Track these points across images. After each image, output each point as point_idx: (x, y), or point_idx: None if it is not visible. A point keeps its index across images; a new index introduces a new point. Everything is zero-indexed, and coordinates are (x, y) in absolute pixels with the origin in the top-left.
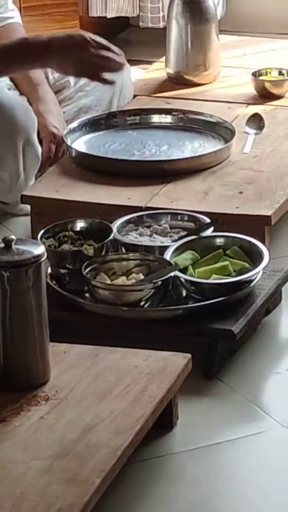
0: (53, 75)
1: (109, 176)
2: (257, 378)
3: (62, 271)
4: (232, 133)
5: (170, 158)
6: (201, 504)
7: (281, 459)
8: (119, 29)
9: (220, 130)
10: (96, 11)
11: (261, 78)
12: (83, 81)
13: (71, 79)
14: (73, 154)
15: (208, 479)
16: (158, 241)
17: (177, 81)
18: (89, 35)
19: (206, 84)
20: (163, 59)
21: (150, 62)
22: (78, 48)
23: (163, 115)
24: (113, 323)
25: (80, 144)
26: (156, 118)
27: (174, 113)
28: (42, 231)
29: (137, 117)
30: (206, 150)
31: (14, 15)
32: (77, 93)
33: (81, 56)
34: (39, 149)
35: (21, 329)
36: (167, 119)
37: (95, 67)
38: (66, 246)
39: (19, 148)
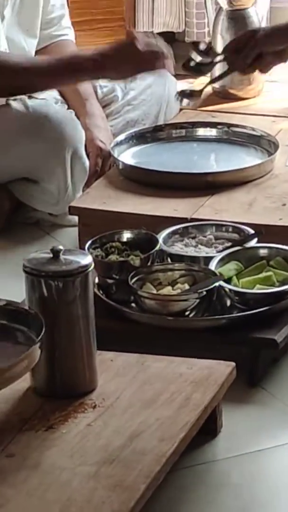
0: (102, 90)
1: (155, 188)
2: None
3: (109, 281)
4: (276, 146)
5: (214, 171)
6: (242, 508)
7: None
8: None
9: (264, 143)
10: (143, 26)
11: None
12: (131, 95)
13: (119, 93)
14: (120, 167)
15: (251, 486)
16: (203, 251)
17: (222, 95)
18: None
19: (250, 98)
20: (208, 74)
21: (195, 77)
22: (129, 47)
23: (208, 128)
24: (159, 332)
25: (127, 156)
26: (201, 131)
27: (219, 126)
28: (89, 242)
29: (183, 130)
30: (250, 163)
31: (68, 33)
32: (124, 107)
33: (134, 53)
34: (87, 162)
35: (68, 338)
36: (212, 132)
37: (151, 59)
38: (113, 257)
39: (67, 161)
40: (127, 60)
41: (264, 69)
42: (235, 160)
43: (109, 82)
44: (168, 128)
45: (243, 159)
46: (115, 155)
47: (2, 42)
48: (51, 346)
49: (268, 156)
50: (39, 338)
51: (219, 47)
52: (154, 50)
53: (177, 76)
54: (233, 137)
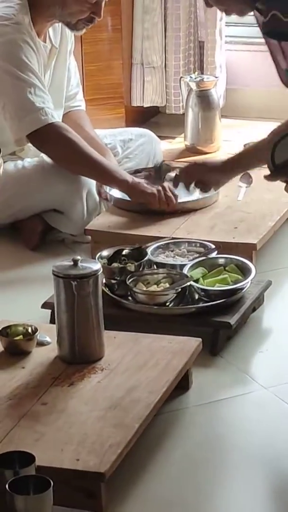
0: (107, 146)
1: (142, 214)
2: (246, 355)
3: (112, 281)
4: None
5: (183, 201)
6: (205, 443)
7: (261, 410)
8: (152, 114)
9: None
10: (136, 102)
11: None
12: (128, 151)
13: (120, 150)
14: (112, 201)
15: (213, 425)
16: (179, 260)
17: (192, 151)
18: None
19: (212, 152)
20: (182, 135)
21: (173, 137)
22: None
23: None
24: (147, 317)
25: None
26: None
27: None
28: (98, 254)
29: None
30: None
31: (81, 104)
32: (123, 159)
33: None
34: (97, 198)
35: (84, 322)
36: None
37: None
38: (115, 264)
39: (83, 198)
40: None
41: (203, 190)
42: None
43: (111, 140)
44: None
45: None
46: (108, 191)
47: None
48: (71, 327)
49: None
50: None
51: (190, 117)
52: (168, 196)
53: (161, 137)
54: None
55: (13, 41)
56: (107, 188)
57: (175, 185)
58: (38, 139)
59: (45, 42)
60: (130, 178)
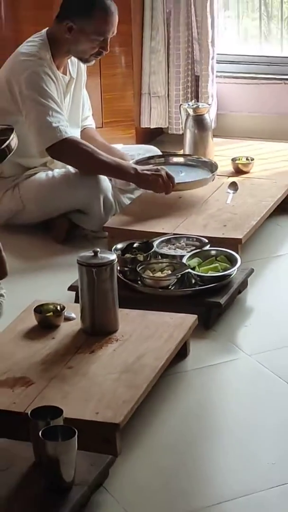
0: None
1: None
2: (234, 328)
3: (125, 269)
4: (216, 166)
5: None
6: (201, 400)
7: (245, 373)
8: (157, 134)
9: (209, 166)
10: (144, 124)
11: (236, 162)
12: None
13: (131, 161)
14: None
15: (209, 386)
16: (179, 252)
17: None
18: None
19: None
20: (181, 151)
21: (174, 154)
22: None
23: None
24: (154, 298)
25: None
26: (174, 159)
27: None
28: (114, 247)
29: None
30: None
31: (92, 123)
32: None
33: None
34: (112, 200)
35: (102, 301)
36: (180, 159)
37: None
38: (127, 255)
39: (101, 201)
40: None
41: None
42: (193, 175)
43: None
44: (156, 157)
45: (199, 175)
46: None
47: None
48: (92, 306)
49: (212, 173)
50: None
51: (188, 136)
52: (166, 182)
53: (164, 152)
54: (192, 162)
55: (36, 73)
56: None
57: None
58: (55, 151)
59: (65, 74)
60: (135, 170)
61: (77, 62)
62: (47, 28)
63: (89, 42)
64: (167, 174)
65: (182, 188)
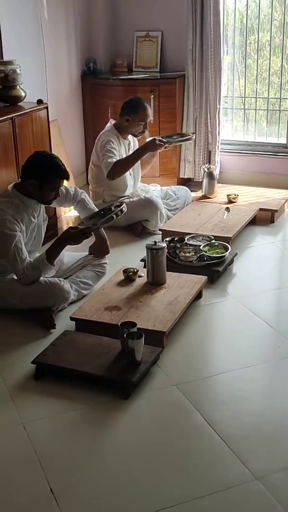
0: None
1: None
2: (226, 283)
3: (170, 251)
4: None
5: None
6: (210, 319)
7: (231, 308)
8: (188, 180)
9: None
10: (182, 175)
11: (229, 196)
12: (177, 195)
13: (173, 194)
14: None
15: (211, 311)
16: (199, 243)
17: (204, 197)
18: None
19: (213, 198)
20: (200, 190)
21: (196, 191)
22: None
23: None
24: (184, 267)
25: None
26: None
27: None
28: (165, 239)
29: None
30: None
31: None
32: (176, 199)
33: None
34: (163, 211)
35: (158, 268)
36: None
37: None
38: (171, 244)
39: (158, 214)
40: (150, 147)
41: None
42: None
43: (169, 190)
44: None
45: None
46: None
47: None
48: (153, 270)
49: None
50: None
51: (204, 183)
52: (158, 143)
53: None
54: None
55: (107, 139)
56: None
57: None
58: (109, 174)
59: (128, 140)
60: (142, 147)
61: (132, 138)
62: (114, 121)
63: (137, 126)
64: (160, 139)
65: (173, 144)
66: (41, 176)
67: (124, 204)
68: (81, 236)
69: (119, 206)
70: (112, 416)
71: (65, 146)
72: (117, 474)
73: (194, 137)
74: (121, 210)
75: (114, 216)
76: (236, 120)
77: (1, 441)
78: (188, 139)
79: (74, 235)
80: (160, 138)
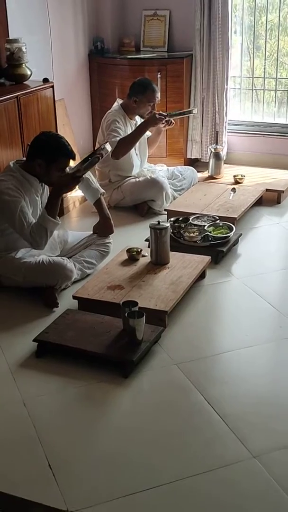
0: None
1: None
2: (230, 263)
3: (174, 231)
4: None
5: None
6: (213, 298)
7: (235, 289)
8: (195, 161)
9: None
10: (189, 155)
11: (235, 177)
12: (183, 175)
13: (179, 174)
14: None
15: (215, 291)
16: (203, 223)
17: (210, 178)
18: None
19: (219, 178)
20: (207, 171)
21: (203, 171)
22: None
23: None
24: (189, 247)
25: None
26: None
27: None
28: (169, 219)
29: None
30: None
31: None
32: (182, 179)
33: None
34: (169, 192)
35: (162, 247)
36: None
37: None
38: (176, 224)
39: (163, 195)
40: (153, 121)
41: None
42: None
43: (176, 170)
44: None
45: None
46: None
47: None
48: (156, 249)
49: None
50: None
51: (210, 164)
52: (159, 117)
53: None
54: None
55: (113, 119)
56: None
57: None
58: (114, 153)
59: (135, 121)
60: (144, 122)
61: (140, 119)
62: (121, 101)
63: (145, 107)
64: (160, 113)
65: (173, 118)
66: (49, 156)
67: (107, 143)
68: (73, 181)
69: (103, 148)
70: (112, 394)
71: (72, 126)
72: (115, 451)
73: (195, 111)
74: (105, 150)
75: (99, 156)
76: (244, 100)
77: (2, 417)
78: (189, 112)
79: (65, 182)
80: (160, 112)
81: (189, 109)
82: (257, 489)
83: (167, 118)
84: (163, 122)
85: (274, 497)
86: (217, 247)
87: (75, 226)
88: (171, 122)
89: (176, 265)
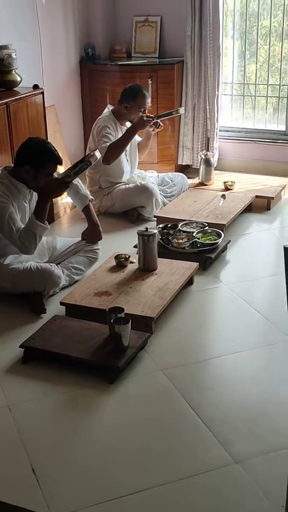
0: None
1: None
2: (218, 270)
3: (163, 237)
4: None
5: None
6: (200, 305)
7: (222, 295)
8: (186, 167)
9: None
10: (180, 162)
11: (225, 183)
12: (173, 182)
13: (169, 180)
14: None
15: (202, 298)
16: (192, 230)
17: (201, 184)
18: None
19: (210, 185)
20: (197, 177)
21: (194, 178)
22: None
23: None
24: (177, 254)
25: None
26: None
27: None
28: (158, 226)
29: None
30: None
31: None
32: (172, 186)
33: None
34: (159, 199)
35: (149, 253)
36: None
37: None
38: (164, 231)
39: (152, 202)
40: (140, 124)
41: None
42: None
43: (166, 177)
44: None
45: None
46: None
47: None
48: (144, 256)
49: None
50: None
51: (201, 170)
52: (148, 119)
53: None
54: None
55: (103, 125)
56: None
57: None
58: (104, 158)
59: (125, 127)
60: (132, 126)
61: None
62: (112, 107)
63: (136, 113)
64: (147, 116)
65: (161, 119)
66: (36, 162)
67: (97, 150)
68: (61, 186)
69: (93, 155)
70: (97, 400)
71: (63, 132)
72: (99, 457)
73: (182, 111)
74: (94, 157)
75: (88, 163)
76: (236, 107)
77: None
78: (176, 112)
79: (54, 187)
80: (148, 114)
81: (176, 109)
82: (239, 495)
83: (155, 120)
84: (151, 124)
85: (255, 502)
86: (206, 254)
87: (65, 232)
88: (160, 124)
89: (164, 271)
